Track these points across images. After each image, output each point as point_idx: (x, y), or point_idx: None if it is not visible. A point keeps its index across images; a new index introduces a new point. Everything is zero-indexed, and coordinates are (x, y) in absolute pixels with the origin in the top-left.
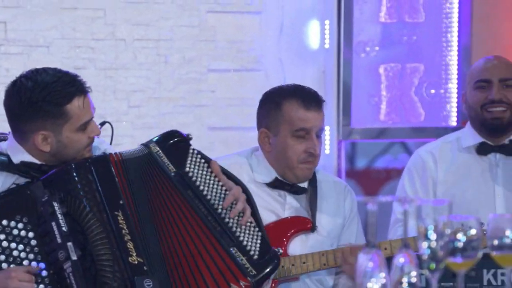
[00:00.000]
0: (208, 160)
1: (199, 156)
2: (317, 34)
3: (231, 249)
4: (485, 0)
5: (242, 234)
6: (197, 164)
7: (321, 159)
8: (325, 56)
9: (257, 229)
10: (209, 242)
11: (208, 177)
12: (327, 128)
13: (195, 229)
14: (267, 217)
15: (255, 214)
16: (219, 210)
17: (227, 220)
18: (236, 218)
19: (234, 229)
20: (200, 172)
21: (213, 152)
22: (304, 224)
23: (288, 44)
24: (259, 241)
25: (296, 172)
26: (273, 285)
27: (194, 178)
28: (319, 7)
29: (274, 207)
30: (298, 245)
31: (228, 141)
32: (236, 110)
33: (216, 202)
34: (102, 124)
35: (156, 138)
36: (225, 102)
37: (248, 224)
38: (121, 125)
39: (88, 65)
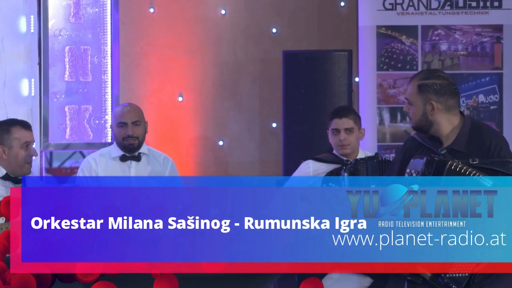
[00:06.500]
0: None
1: None
2: (28, 87)
3: None
4: (129, 66)
5: None
6: None
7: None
8: (32, 101)
9: None
10: None
11: None
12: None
13: None
14: None
15: None
16: None
17: None
18: None
19: None
20: None
21: None
22: None
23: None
24: None
25: (24, 170)
26: None
27: None
28: (25, 67)
29: None
30: None
31: None
32: None
33: None
34: None
35: None
36: None
37: None
38: None
39: None
